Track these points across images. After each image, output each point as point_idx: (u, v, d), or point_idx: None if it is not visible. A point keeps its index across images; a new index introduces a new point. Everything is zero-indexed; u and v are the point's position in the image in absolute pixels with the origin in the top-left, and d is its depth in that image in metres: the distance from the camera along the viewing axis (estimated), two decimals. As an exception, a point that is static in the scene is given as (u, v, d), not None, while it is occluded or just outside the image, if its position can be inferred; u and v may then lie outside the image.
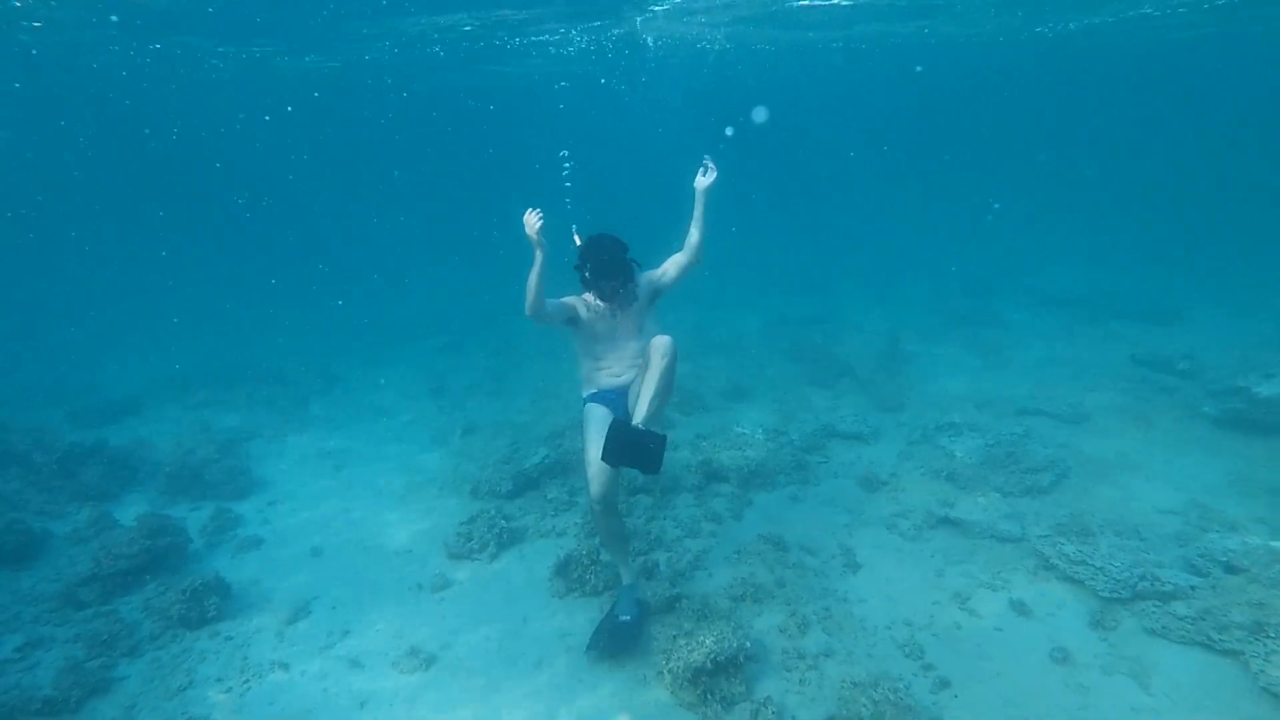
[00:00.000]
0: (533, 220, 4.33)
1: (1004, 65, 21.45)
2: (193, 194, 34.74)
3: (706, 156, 4.85)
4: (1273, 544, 5.35)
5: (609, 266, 4.61)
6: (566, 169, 6.34)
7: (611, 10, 13.39)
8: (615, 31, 14.91)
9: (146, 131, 23.32)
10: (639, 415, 4.30)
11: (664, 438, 4.22)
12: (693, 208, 4.89)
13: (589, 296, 4.83)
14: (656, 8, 13.18)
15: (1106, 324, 12.06)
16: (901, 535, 6.27)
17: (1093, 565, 5.35)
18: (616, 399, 4.90)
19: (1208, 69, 21.57)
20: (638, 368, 4.78)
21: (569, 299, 4.83)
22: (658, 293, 5.02)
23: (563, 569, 5.77)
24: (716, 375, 10.57)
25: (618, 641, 4.80)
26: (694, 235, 4.90)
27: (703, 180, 4.83)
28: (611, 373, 4.93)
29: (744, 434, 7.72)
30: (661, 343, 4.34)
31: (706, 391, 9.84)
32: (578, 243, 4.77)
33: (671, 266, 4.99)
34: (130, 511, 7.15)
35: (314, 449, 9.17)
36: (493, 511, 6.74)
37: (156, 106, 19.12)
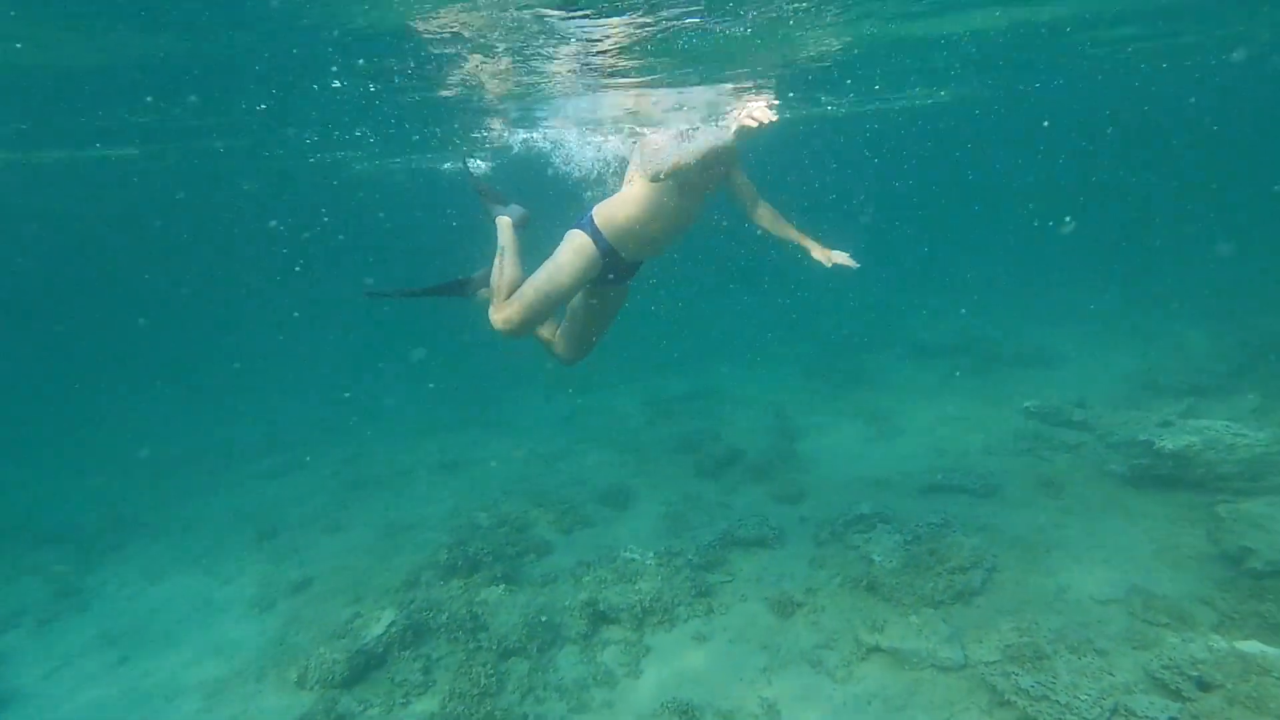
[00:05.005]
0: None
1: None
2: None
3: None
4: (1238, 647, 4.69)
5: None
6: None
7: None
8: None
9: None
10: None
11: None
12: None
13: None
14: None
15: (986, 374, 11.81)
16: (830, 676, 5.27)
17: (1057, 701, 4.49)
18: (612, 270, 4.32)
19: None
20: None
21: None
22: (726, 177, 4.60)
23: (410, 806, 4.33)
24: (596, 475, 9.38)
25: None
26: (767, 215, 4.63)
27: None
28: (640, 241, 4.32)
29: (633, 560, 6.53)
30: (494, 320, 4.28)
31: (585, 499, 8.60)
32: None
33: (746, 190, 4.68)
34: None
35: (93, 634, 7.20)
36: (321, 713, 5.19)
37: None
